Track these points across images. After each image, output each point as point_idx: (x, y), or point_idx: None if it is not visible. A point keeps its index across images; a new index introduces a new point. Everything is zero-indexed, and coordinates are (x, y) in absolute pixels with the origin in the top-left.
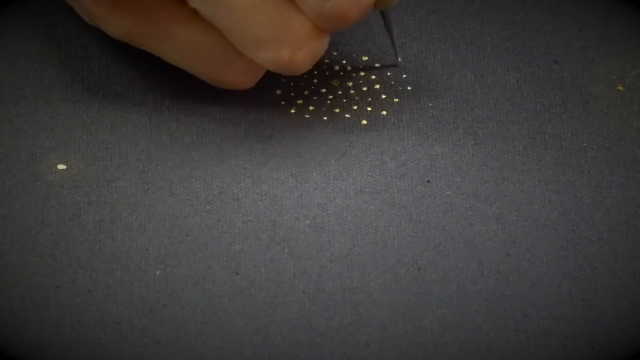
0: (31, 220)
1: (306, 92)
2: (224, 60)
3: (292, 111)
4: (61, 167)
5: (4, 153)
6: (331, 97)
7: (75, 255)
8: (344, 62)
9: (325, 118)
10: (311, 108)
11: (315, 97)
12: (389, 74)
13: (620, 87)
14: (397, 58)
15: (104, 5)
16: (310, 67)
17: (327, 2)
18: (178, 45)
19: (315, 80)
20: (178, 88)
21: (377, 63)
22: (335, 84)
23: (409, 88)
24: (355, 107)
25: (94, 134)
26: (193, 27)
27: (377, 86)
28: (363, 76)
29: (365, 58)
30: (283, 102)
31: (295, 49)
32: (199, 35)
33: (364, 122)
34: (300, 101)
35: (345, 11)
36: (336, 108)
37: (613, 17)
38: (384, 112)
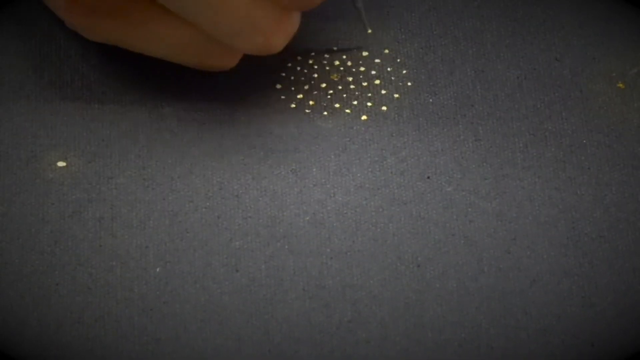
0: (31, 218)
1: (306, 87)
2: (203, 49)
3: (292, 106)
4: (61, 164)
5: (3, 151)
6: (331, 92)
7: (75, 252)
8: (344, 57)
9: (325, 113)
10: (311, 103)
11: (315, 92)
12: (389, 69)
13: (620, 85)
14: (367, 30)
15: (78, 15)
16: (285, 44)
17: None
18: (157, 42)
19: (315, 75)
20: (177, 84)
21: (377, 58)
22: (335, 79)
23: (409, 84)
24: (355, 103)
25: (93, 131)
26: (168, 23)
27: (377, 82)
28: (363, 71)
29: (365, 53)
30: (283, 97)
31: (268, 34)
32: (175, 30)
33: (364, 117)
34: (300, 96)
35: None
36: (336, 103)
37: (613, 15)
38: (384, 108)
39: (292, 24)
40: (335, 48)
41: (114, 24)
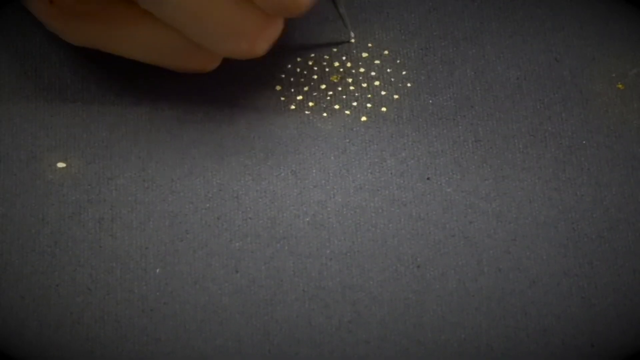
0: (31, 219)
1: (306, 89)
2: (184, 52)
3: (292, 107)
4: (61, 165)
5: (3, 151)
6: (331, 93)
7: (75, 253)
8: (344, 58)
9: (324, 114)
10: (311, 104)
11: (314, 94)
12: (389, 70)
13: (620, 85)
14: (349, 34)
15: (58, 19)
16: (269, 49)
17: None
18: (137, 45)
19: (315, 77)
20: (177, 86)
21: (377, 60)
22: (335, 80)
23: (409, 85)
24: (355, 104)
25: (93, 132)
26: (150, 26)
27: (377, 83)
28: (363, 72)
29: (365, 54)
30: (283, 98)
31: (252, 39)
32: (156, 33)
33: (364, 118)
34: (300, 97)
35: (298, 1)
36: (336, 104)
37: (613, 16)
38: (384, 109)
39: (275, 30)
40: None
41: (94, 27)
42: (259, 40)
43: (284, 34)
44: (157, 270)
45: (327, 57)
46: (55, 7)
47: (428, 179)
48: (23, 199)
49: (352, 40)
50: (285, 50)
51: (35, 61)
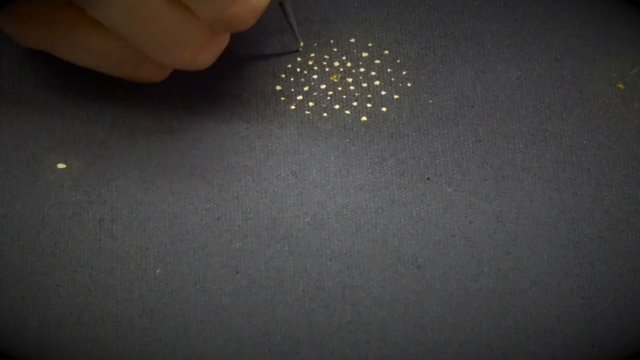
0: (31, 220)
1: (306, 88)
2: (133, 61)
3: (292, 107)
4: (61, 166)
5: (4, 152)
6: (331, 93)
7: (75, 254)
8: (344, 58)
9: (325, 114)
10: (311, 104)
11: (315, 94)
12: (389, 70)
13: (620, 85)
14: (299, 43)
15: (10, 21)
16: (213, 62)
17: (225, 12)
18: (85, 52)
19: (315, 77)
20: (177, 86)
21: (377, 59)
22: (335, 80)
23: (409, 85)
24: (355, 104)
25: (93, 133)
26: (99, 34)
27: (377, 82)
28: (363, 72)
29: (365, 54)
30: (283, 98)
31: (196, 51)
32: (105, 41)
33: (364, 118)
34: (300, 97)
35: (242, 18)
36: (336, 104)
37: (613, 16)
38: (384, 109)
39: (220, 42)
40: (335, 49)
41: (43, 32)
42: (203, 53)
43: (230, 46)
44: (157, 271)
45: (327, 57)
46: (6, 9)
47: (428, 179)
48: (23, 199)
49: (300, 49)
50: (285, 50)
51: (35, 62)
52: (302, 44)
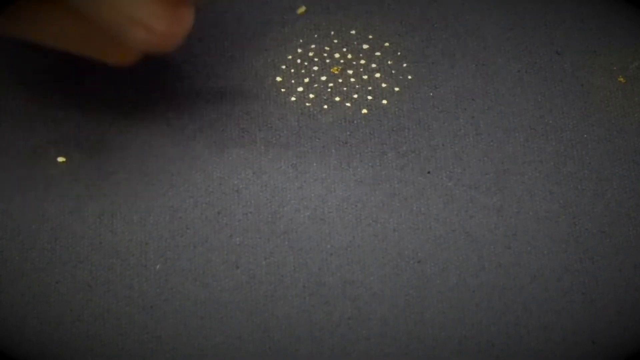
0: (31, 215)
1: (306, 80)
2: (98, 41)
3: (293, 99)
4: (61, 160)
5: (3, 146)
6: (331, 85)
7: (75, 250)
8: (345, 50)
9: (325, 107)
10: (311, 96)
11: (315, 86)
12: (389, 62)
13: (621, 79)
14: None
15: None
16: (180, 41)
17: None
18: (51, 34)
19: (316, 68)
20: (177, 79)
21: (377, 52)
22: (336, 72)
23: (410, 77)
24: (356, 96)
25: (93, 126)
26: (67, 16)
27: (378, 75)
28: (363, 64)
29: (366, 46)
30: (283, 90)
31: (151, 28)
32: (68, 20)
33: (365, 111)
34: (300, 89)
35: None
36: (336, 97)
37: (614, 9)
38: (385, 102)
39: (180, 20)
40: (335, 41)
41: (7, 16)
42: (158, 30)
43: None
44: (158, 266)
45: (328, 49)
46: None
47: (429, 172)
48: (23, 194)
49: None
50: (285, 41)
51: (34, 56)
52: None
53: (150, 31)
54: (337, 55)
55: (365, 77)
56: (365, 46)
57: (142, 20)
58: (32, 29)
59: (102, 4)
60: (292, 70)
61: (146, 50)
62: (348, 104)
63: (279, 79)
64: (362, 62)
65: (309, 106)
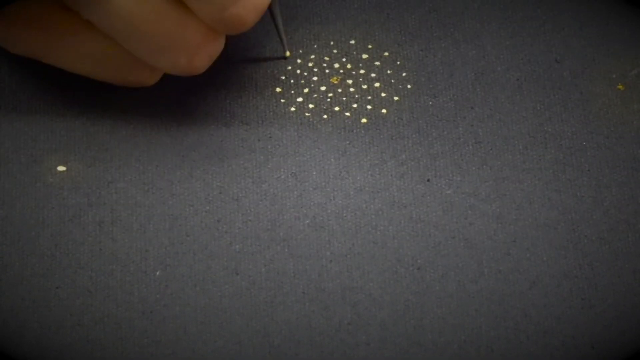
0: (31, 222)
1: (306, 90)
2: (124, 65)
3: (292, 109)
4: (61, 168)
5: (4, 154)
6: (331, 95)
7: (75, 256)
8: (344, 59)
9: (325, 116)
10: (311, 106)
11: (315, 95)
12: (389, 72)
13: (620, 86)
14: (284, 50)
15: (1, 26)
16: (208, 66)
17: (226, 12)
18: (79, 58)
19: (315, 78)
20: (177, 88)
21: (377, 61)
22: (335, 82)
23: (409, 86)
24: (355, 106)
25: (93, 135)
26: (89, 37)
27: (377, 84)
28: (363, 74)
29: (365, 56)
30: (283, 100)
31: (191, 54)
32: (98, 45)
33: (364, 120)
34: (300, 99)
35: (243, 18)
36: (336, 106)
37: (613, 16)
38: (384, 111)
39: (216, 46)
40: (335, 51)
41: (35, 36)
42: (198, 56)
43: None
44: (157, 273)
45: (327, 59)
46: None
47: (428, 180)
48: (23, 201)
49: (287, 57)
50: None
51: (35, 64)
52: (288, 53)
53: (191, 59)
54: (336, 65)
55: (364, 86)
56: (364, 56)
57: (187, 48)
58: (59, 53)
59: (148, 31)
60: (292, 81)
61: (176, 74)
62: (347, 114)
63: (278, 89)
64: (362, 71)
65: (308, 116)
